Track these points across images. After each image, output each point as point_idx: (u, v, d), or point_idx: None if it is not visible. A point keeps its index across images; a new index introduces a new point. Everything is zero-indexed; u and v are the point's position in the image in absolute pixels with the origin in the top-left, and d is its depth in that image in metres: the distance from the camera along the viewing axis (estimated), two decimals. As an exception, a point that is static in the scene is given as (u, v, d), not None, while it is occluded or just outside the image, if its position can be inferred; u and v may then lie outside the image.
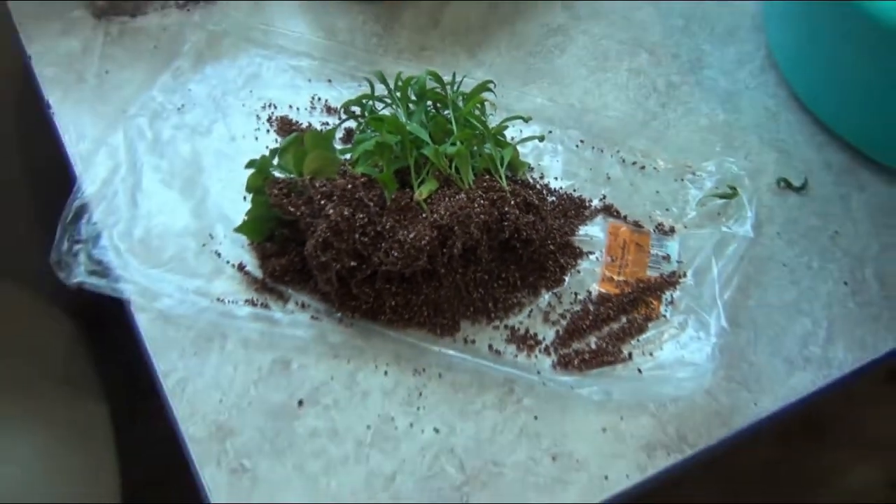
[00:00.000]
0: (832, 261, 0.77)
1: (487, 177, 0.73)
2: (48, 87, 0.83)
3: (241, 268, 0.72)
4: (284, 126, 0.82)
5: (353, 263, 0.67)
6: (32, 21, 0.88)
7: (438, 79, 0.77)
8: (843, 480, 1.29)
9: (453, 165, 0.72)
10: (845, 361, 0.72)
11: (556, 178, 0.80)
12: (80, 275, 0.70)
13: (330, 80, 0.85)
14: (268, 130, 0.81)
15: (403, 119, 0.76)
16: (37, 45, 0.86)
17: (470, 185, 0.72)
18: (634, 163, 0.81)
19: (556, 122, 0.84)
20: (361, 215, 0.67)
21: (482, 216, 0.69)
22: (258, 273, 0.72)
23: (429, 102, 0.78)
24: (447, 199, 0.70)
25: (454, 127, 0.75)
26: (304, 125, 0.82)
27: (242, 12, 0.90)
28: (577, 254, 0.76)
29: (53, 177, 0.83)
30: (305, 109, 0.83)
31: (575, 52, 0.91)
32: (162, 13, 0.89)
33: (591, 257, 0.76)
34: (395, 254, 0.67)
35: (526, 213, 0.73)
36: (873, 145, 0.83)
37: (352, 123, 0.81)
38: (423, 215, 0.70)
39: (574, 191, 0.80)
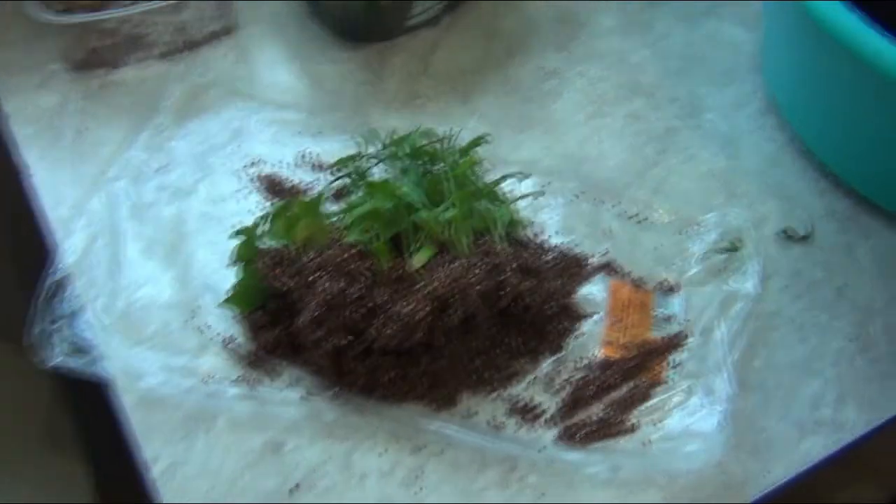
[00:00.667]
0: (839, 316, 0.75)
1: (485, 239, 0.70)
2: (26, 147, 0.80)
3: (229, 342, 0.70)
4: (271, 185, 0.79)
5: (346, 340, 0.64)
6: (8, 75, 0.85)
7: (431, 135, 0.74)
8: (839, 496, 1.26)
9: (450, 230, 0.69)
10: (857, 424, 0.70)
11: (554, 234, 0.78)
12: (57, 356, 0.67)
13: (318, 134, 0.82)
14: (254, 190, 0.78)
15: (396, 178, 0.73)
16: (13, 102, 0.83)
17: (467, 250, 0.69)
18: (635, 215, 0.79)
19: (552, 174, 0.81)
20: (354, 289, 0.65)
21: (480, 286, 0.66)
22: (247, 346, 0.69)
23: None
24: (444, 266, 0.67)
25: (449, 186, 0.72)
26: (292, 183, 0.79)
27: (226, 62, 0.87)
28: (578, 316, 0.73)
29: (34, 238, 0.80)
30: (293, 166, 0.80)
31: (571, 96, 0.88)
32: (142, 65, 0.86)
33: (593, 319, 0.73)
34: (391, 329, 0.64)
35: (525, 276, 0.70)
36: (877, 191, 0.80)
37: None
38: (420, 285, 0.67)
39: (573, 247, 0.77)
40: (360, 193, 0.73)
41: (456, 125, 0.81)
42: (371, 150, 0.77)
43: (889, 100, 0.72)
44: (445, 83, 0.87)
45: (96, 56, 0.84)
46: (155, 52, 0.86)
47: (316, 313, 0.64)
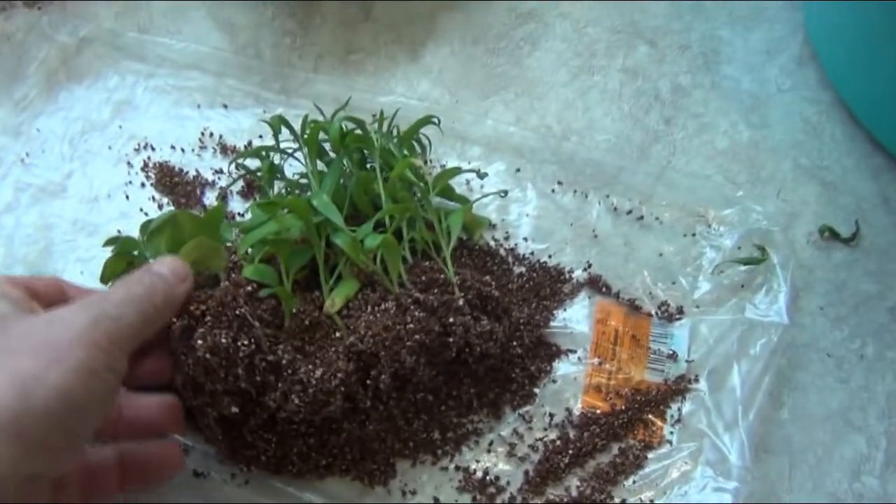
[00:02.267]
0: (892, 346, 0.58)
1: (427, 263, 0.54)
2: None
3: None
4: (164, 176, 0.61)
5: (234, 409, 0.48)
6: None
7: (360, 123, 0.56)
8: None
9: (378, 258, 0.52)
10: (911, 498, 0.54)
11: (525, 240, 0.60)
12: None
13: (226, 106, 0.64)
14: (143, 183, 0.61)
15: (311, 181, 0.55)
16: None
17: (402, 281, 0.52)
18: (630, 212, 0.61)
19: (525, 154, 0.63)
20: (246, 342, 0.48)
21: (417, 336, 0.50)
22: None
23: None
24: (370, 307, 0.51)
25: (381, 191, 0.54)
26: (191, 174, 0.61)
27: (109, 10, 0.68)
28: (553, 354, 0.57)
29: None
30: (193, 150, 0.63)
31: (551, 46, 0.69)
32: (4, 15, 0.67)
33: (572, 357, 0.57)
34: (297, 400, 0.48)
35: (482, 311, 0.53)
36: (948, 175, 0.62)
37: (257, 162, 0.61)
38: (337, 334, 0.51)
39: (549, 257, 0.60)
40: (266, 200, 0.56)
41: (402, 89, 0.64)
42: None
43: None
44: (390, 33, 0.68)
45: (-57, 5, 0.66)
46: (20, -1, 0.67)
47: (191, 376, 0.48)
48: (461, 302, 0.52)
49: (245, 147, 0.63)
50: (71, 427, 0.37)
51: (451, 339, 0.51)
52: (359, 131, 0.57)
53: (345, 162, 0.57)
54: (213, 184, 0.61)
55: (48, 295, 0.46)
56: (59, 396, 0.36)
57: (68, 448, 0.38)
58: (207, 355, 0.47)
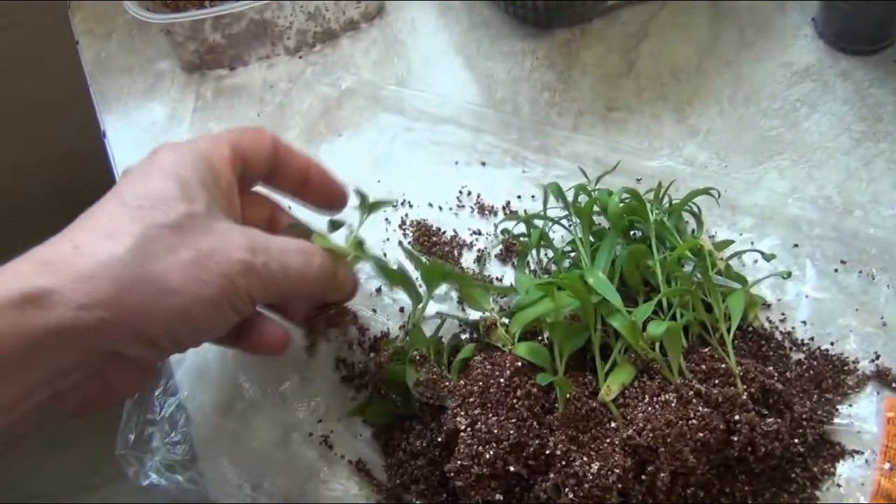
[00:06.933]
0: None
1: (706, 350, 0.50)
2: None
3: (359, 467, 0.53)
4: (422, 235, 0.60)
5: (499, 497, 0.46)
6: (109, 79, 0.69)
7: (637, 196, 0.53)
8: None
9: (657, 345, 0.49)
10: None
11: (803, 323, 0.56)
12: (152, 470, 0.53)
13: (484, 163, 0.63)
14: (400, 241, 0.60)
15: (582, 254, 0.53)
16: (114, 114, 0.68)
17: (682, 371, 0.49)
18: (924, 298, 0.56)
19: (803, 228, 0.58)
20: (514, 421, 0.46)
21: (701, 434, 0.46)
22: (384, 476, 0.53)
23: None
24: (648, 397, 0.48)
25: (657, 270, 0.51)
26: (448, 233, 0.60)
27: (369, 60, 0.68)
28: (837, 454, 0.52)
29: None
30: (451, 209, 0.61)
31: (831, 108, 0.63)
32: (267, 63, 0.68)
33: (858, 459, 0.52)
34: (571, 494, 0.46)
35: (763, 405, 0.49)
36: None
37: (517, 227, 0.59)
38: (612, 424, 0.48)
39: (832, 344, 0.55)
40: (532, 267, 0.54)
41: (667, 150, 0.60)
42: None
43: None
44: (654, 88, 0.65)
45: (213, 55, 0.67)
46: (282, 46, 0.68)
47: (457, 459, 0.46)
48: (745, 397, 0.48)
49: (503, 207, 0.61)
50: (175, 337, 0.41)
51: (735, 438, 0.47)
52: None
53: (615, 233, 0.54)
54: (470, 245, 0.60)
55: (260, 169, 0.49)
56: (182, 315, 0.40)
57: (159, 354, 0.42)
58: (473, 435, 0.46)
